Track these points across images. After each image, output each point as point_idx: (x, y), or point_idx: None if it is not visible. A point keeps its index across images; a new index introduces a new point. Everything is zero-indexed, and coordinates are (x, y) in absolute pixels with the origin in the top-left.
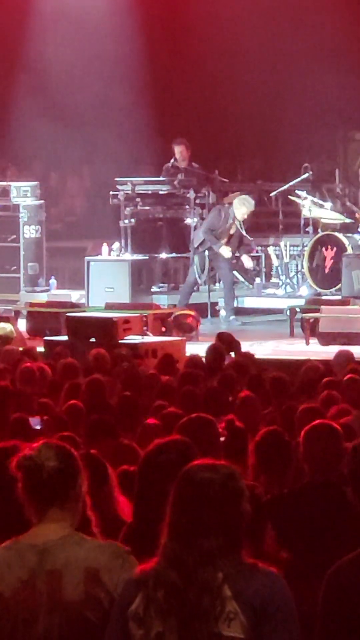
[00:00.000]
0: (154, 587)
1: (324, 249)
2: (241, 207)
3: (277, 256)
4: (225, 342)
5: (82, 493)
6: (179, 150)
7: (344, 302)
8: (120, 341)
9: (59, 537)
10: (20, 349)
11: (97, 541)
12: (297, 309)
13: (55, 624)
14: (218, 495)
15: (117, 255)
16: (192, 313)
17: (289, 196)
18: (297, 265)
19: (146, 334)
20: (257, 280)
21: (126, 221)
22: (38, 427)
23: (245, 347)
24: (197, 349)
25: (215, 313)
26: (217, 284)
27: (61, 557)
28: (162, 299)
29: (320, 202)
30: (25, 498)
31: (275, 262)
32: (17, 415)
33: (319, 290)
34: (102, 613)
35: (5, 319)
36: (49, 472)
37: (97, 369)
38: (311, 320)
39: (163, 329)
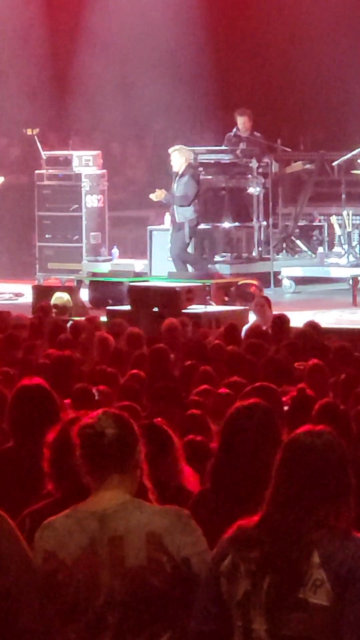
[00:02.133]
0: (248, 547)
1: None
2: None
3: (340, 225)
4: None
5: (141, 461)
6: (241, 120)
7: None
8: (183, 311)
9: (119, 503)
10: (83, 318)
11: (157, 506)
12: None
13: (117, 590)
14: (324, 463)
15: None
16: (255, 282)
17: (352, 171)
18: None
19: (209, 304)
20: (320, 249)
21: None
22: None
23: (309, 316)
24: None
25: (277, 282)
26: (279, 254)
27: (122, 523)
28: (225, 269)
29: None
30: (85, 466)
31: (338, 231)
32: (80, 386)
33: None
34: (165, 577)
35: (68, 289)
36: (108, 439)
37: (170, 339)
38: None
39: (226, 299)
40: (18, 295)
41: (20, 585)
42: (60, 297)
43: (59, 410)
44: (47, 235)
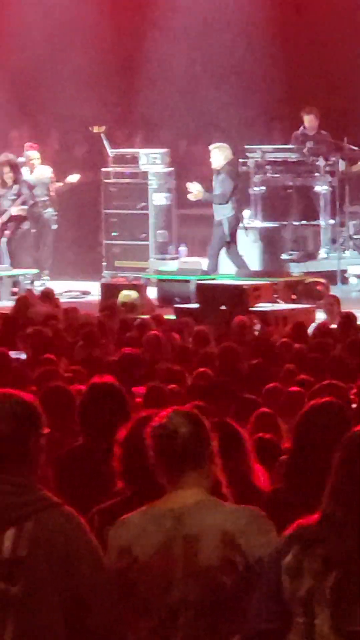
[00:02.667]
0: (311, 544)
1: None
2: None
3: None
4: None
5: (215, 456)
6: (308, 119)
7: None
8: (250, 309)
9: (194, 502)
10: (149, 316)
11: (233, 505)
12: None
13: (191, 589)
14: None
15: (248, 223)
16: (323, 280)
17: None
18: None
19: (276, 302)
20: None
21: (256, 189)
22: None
23: None
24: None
25: (344, 280)
26: (346, 252)
27: (197, 522)
28: (292, 267)
29: None
30: (160, 466)
31: None
32: (152, 384)
33: None
34: (237, 577)
35: (135, 287)
36: (182, 437)
37: (239, 337)
38: None
39: (293, 297)
40: (85, 293)
41: (91, 583)
42: (127, 295)
43: (129, 409)
44: (114, 233)
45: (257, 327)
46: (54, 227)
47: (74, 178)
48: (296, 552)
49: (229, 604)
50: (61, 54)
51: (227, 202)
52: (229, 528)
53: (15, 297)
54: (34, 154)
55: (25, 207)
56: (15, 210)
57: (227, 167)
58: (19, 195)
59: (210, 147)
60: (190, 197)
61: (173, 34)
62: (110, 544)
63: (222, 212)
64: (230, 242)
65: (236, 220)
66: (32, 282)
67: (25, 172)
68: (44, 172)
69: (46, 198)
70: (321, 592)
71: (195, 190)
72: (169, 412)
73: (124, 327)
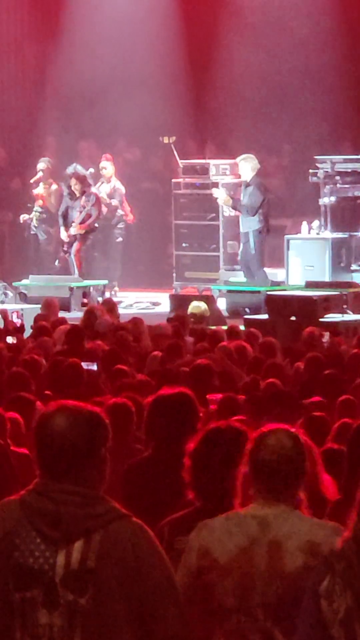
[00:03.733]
0: (337, 562)
1: None
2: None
3: None
4: None
5: (304, 476)
6: None
7: None
8: (320, 320)
9: (280, 510)
10: (224, 327)
11: (316, 519)
12: None
13: (273, 592)
14: None
15: (317, 234)
16: None
17: None
18: None
19: (346, 313)
20: None
21: (326, 199)
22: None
23: None
24: None
25: None
26: None
27: (283, 529)
28: None
29: None
30: (252, 475)
31: None
32: (225, 395)
33: None
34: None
35: (205, 298)
36: (285, 457)
37: (309, 348)
38: None
39: None
40: (155, 304)
41: (159, 594)
42: (197, 306)
43: (198, 419)
44: (184, 244)
45: (326, 338)
46: (120, 239)
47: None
48: (330, 575)
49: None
50: (131, 64)
51: (254, 215)
52: (313, 538)
53: (85, 308)
54: (106, 164)
55: (89, 221)
56: (73, 231)
57: (256, 179)
58: (84, 207)
59: (237, 159)
60: (220, 201)
61: (245, 44)
62: (190, 546)
63: (249, 225)
64: (255, 255)
65: (263, 233)
66: (102, 293)
67: (99, 182)
68: (116, 185)
69: (121, 212)
70: (356, 612)
71: (221, 196)
72: (277, 428)
73: (195, 338)
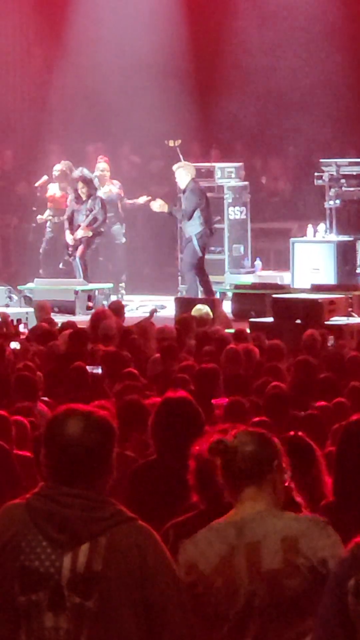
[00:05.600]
0: None
1: None
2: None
3: None
4: None
5: (282, 477)
6: None
7: None
8: (325, 322)
9: (255, 512)
10: (231, 330)
11: (293, 514)
12: None
13: (256, 594)
14: None
15: (323, 237)
16: None
17: None
18: None
19: (352, 316)
20: None
21: (331, 202)
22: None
23: None
24: None
25: None
26: None
27: (259, 529)
28: None
29: None
30: (223, 480)
31: None
32: (232, 398)
33: None
34: (302, 579)
35: (210, 301)
36: (244, 455)
37: (309, 351)
38: None
39: None
40: (161, 307)
41: (166, 597)
42: (199, 309)
43: (203, 423)
44: None
45: (331, 342)
46: (123, 240)
47: (143, 199)
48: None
49: (296, 607)
50: (136, 67)
51: (190, 219)
52: (290, 533)
53: (90, 312)
54: (102, 166)
55: (96, 225)
56: (80, 234)
57: (191, 184)
58: (90, 210)
59: (174, 167)
60: (156, 209)
61: (250, 47)
62: (178, 561)
63: (190, 230)
64: (201, 259)
65: (204, 237)
66: (108, 297)
67: (96, 183)
68: (112, 189)
69: (113, 214)
70: None
71: (155, 205)
72: (236, 431)
73: (200, 340)
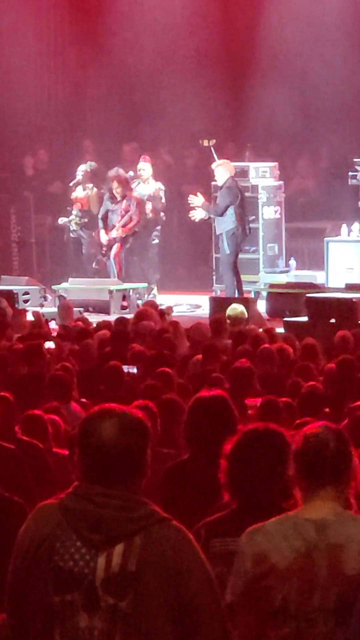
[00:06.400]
0: None
1: None
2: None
3: None
4: None
5: (353, 476)
6: None
7: None
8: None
9: (336, 513)
10: (260, 329)
11: None
12: None
13: (332, 596)
14: None
15: (357, 236)
16: None
17: None
18: None
19: None
20: None
21: None
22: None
23: None
24: None
25: None
26: None
27: (342, 533)
28: None
29: None
30: (301, 475)
31: None
32: (267, 398)
33: None
34: None
35: (244, 300)
36: (331, 452)
37: (343, 351)
38: None
39: None
40: (196, 307)
41: (200, 598)
42: (234, 309)
43: (236, 422)
44: None
45: None
46: (156, 241)
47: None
48: None
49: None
50: (171, 67)
51: (221, 215)
52: None
53: (125, 311)
54: (144, 166)
55: (132, 224)
56: (115, 234)
57: (228, 181)
58: (126, 210)
59: (213, 165)
60: (191, 201)
61: (284, 47)
62: (244, 551)
63: (222, 227)
64: (228, 257)
65: (236, 234)
66: (142, 297)
67: (137, 183)
68: (149, 189)
69: (149, 214)
70: None
71: (197, 201)
72: (321, 425)
73: (234, 340)
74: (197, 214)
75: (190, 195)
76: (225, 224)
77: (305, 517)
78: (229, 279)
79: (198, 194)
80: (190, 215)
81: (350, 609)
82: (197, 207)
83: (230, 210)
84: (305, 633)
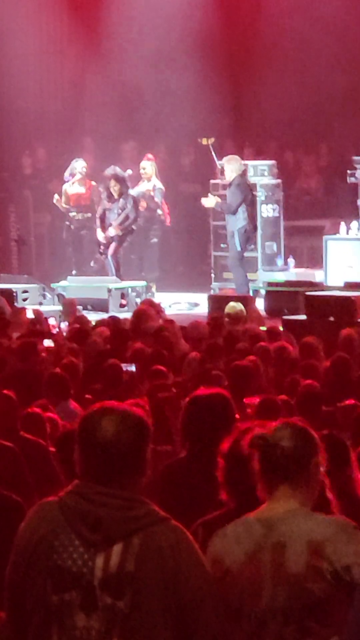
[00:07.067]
0: None
1: None
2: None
3: None
4: None
5: (317, 475)
6: None
7: None
8: (359, 320)
9: (284, 511)
10: (263, 328)
11: (323, 515)
12: None
13: (279, 596)
14: None
15: (356, 234)
16: None
17: None
18: None
19: None
20: None
21: None
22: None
23: None
24: None
25: None
26: None
27: (286, 530)
28: None
29: None
30: (258, 475)
31: None
32: (264, 396)
33: None
34: (325, 585)
35: (243, 299)
36: (281, 450)
37: (347, 350)
38: None
39: None
40: (194, 305)
41: (199, 598)
42: (233, 307)
43: (234, 420)
44: (222, 245)
45: None
46: (155, 240)
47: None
48: None
49: (318, 611)
50: (170, 66)
51: (233, 213)
52: (316, 537)
53: (123, 310)
54: (145, 164)
55: (128, 222)
56: (112, 232)
57: (237, 179)
58: (123, 209)
59: (223, 160)
60: (203, 201)
61: (282, 45)
62: (206, 554)
63: (233, 224)
64: (238, 253)
65: (247, 232)
66: (140, 295)
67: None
68: (152, 185)
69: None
70: None
71: (209, 202)
72: (276, 424)
73: (233, 338)
74: (207, 202)
75: (202, 199)
76: (237, 222)
77: (257, 517)
78: (241, 275)
79: (209, 194)
80: (202, 202)
81: (298, 608)
82: (209, 204)
83: (242, 208)
84: (257, 633)
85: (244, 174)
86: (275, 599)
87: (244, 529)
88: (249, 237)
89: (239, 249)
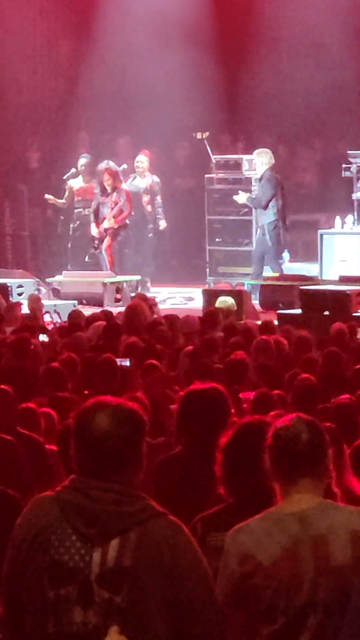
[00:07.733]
0: None
1: None
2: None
3: None
4: None
5: (330, 468)
6: None
7: None
8: (354, 314)
9: (316, 504)
10: (258, 322)
11: (351, 507)
12: None
13: (321, 589)
14: None
15: (351, 228)
16: None
17: None
18: None
19: None
20: None
21: (359, 194)
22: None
23: None
24: None
25: None
26: None
27: (324, 523)
28: None
29: None
30: (277, 468)
31: None
32: (260, 390)
33: None
34: None
35: (238, 293)
36: (304, 443)
37: (338, 344)
38: None
39: None
40: (189, 299)
41: (196, 593)
42: (224, 301)
43: (229, 415)
44: (217, 239)
45: None
46: (151, 235)
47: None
48: None
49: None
50: (164, 60)
51: (265, 208)
52: (356, 527)
53: (118, 304)
54: (142, 159)
55: (122, 216)
56: (106, 225)
57: (267, 173)
58: (116, 203)
59: (254, 153)
60: (236, 198)
61: (275, 40)
62: (229, 551)
63: (263, 219)
64: (271, 248)
65: (277, 226)
66: (135, 289)
67: (133, 178)
68: (145, 182)
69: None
70: None
71: (242, 199)
72: (292, 417)
73: (226, 333)
74: (239, 199)
75: (234, 196)
76: (266, 217)
77: (286, 512)
78: (258, 269)
79: (239, 192)
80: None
81: (340, 600)
82: (240, 200)
83: (272, 203)
84: (296, 628)
85: (273, 167)
86: (317, 592)
87: (274, 523)
88: (279, 232)
89: (270, 244)
